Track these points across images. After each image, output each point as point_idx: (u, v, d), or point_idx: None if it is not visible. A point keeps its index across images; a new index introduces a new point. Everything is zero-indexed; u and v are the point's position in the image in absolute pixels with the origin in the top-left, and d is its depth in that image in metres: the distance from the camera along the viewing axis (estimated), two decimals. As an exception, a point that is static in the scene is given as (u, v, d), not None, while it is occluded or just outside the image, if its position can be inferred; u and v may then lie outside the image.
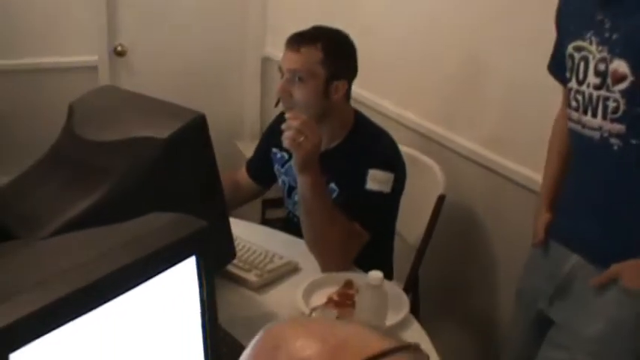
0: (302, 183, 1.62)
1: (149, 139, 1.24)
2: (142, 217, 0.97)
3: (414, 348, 0.57)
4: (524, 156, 2.02)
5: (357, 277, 1.61)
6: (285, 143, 1.60)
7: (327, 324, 0.61)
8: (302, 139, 1.56)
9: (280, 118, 1.89)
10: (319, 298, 1.55)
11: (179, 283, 0.91)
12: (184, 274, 0.92)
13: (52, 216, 1.21)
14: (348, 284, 1.59)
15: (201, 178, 1.36)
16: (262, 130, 2.57)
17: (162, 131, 1.24)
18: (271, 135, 1.97)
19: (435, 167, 2.15)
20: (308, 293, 1.57)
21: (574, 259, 1.49)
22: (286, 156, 1.92)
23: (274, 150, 1.97)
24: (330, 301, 1.53)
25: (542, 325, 1.58)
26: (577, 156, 1.52)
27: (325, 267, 1.67)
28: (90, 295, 0.78)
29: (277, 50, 2.27)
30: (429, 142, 2.37)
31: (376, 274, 1.30)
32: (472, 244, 2.29)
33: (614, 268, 1.39)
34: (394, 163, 1.77)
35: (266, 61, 3.46)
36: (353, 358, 0.55)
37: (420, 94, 2.48)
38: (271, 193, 2.24)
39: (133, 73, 3.31)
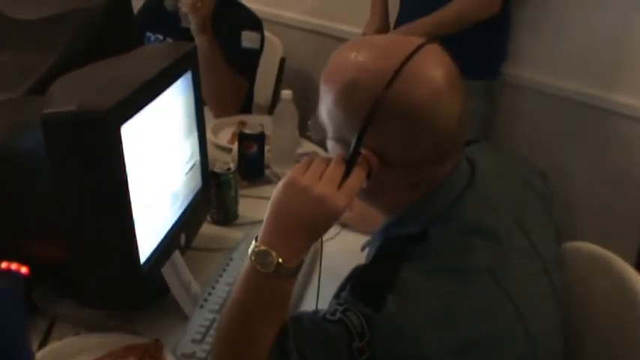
0: (200, 43, 1.90)
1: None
2: (136, 49, 1.27)
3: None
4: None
5: (246, 117, 2.00)
6: (185, 8, 1.88)
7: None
8: (199, 4, 1.86)
9: (151, 2, 2.13)
10: (226, 135, 1.93)
11: (180, 94, 1.25)
12: (182, 87, 1.26)
13: (18, 80, 1.43)
14: (242, 124, 1.98)
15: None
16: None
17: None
18: (145, 18, 2.13)
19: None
20: (215, 132, 1.93)
21: None
22: (161, 37, 2.14)
23: (148, 34, 2.13)
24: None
25: None
26: None
27: (219, 114, 2.02)
28: (154, 86, 1.11)
29: None
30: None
31: (287, 92, 1.70)
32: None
33: None
34: (259, 25, 2.14)
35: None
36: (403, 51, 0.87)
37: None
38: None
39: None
